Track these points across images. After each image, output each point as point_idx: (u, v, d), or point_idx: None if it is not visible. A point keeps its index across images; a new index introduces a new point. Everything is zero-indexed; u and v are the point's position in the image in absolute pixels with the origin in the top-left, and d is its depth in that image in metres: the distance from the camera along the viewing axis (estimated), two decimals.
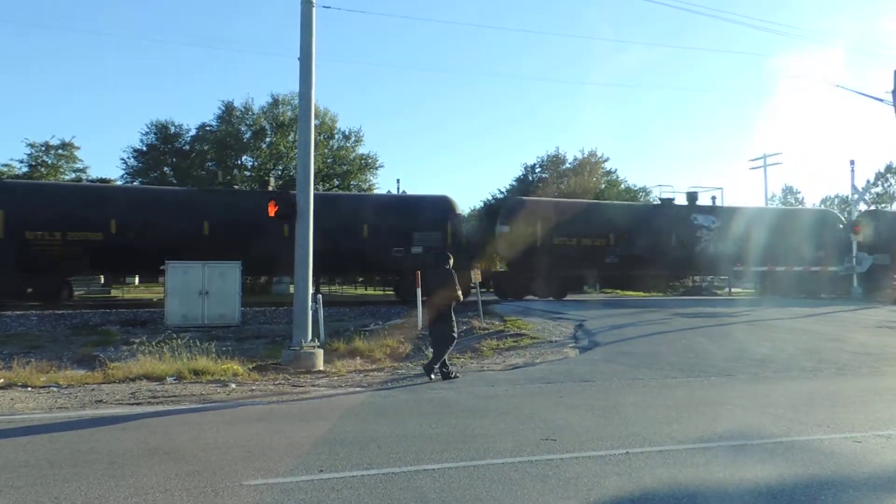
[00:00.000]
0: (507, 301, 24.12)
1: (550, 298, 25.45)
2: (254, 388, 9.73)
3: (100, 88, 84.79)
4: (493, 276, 27.31)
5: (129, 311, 20.54)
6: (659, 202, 30.72)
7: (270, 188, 28.85)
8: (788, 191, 66.82)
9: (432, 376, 10.31)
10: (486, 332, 15.88)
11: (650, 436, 6.56)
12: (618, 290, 37.09)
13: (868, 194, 51.73)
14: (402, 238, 24.32)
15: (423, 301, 11.61)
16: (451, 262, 10.99)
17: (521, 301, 24.36)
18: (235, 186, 26.41)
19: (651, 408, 8.15)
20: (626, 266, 27.44)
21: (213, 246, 21.36)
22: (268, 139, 45.37)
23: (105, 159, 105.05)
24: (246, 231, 22.08)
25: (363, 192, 34.30)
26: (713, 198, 31.44)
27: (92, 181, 41.85)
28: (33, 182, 30.15)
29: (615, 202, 38.69)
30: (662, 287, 35.89)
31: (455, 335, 10.94)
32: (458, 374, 10.59)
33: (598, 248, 26.45)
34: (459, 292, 10.74)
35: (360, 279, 42.33)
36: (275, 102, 45.56)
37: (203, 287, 18.94)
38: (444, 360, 10.53)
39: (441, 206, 25.54)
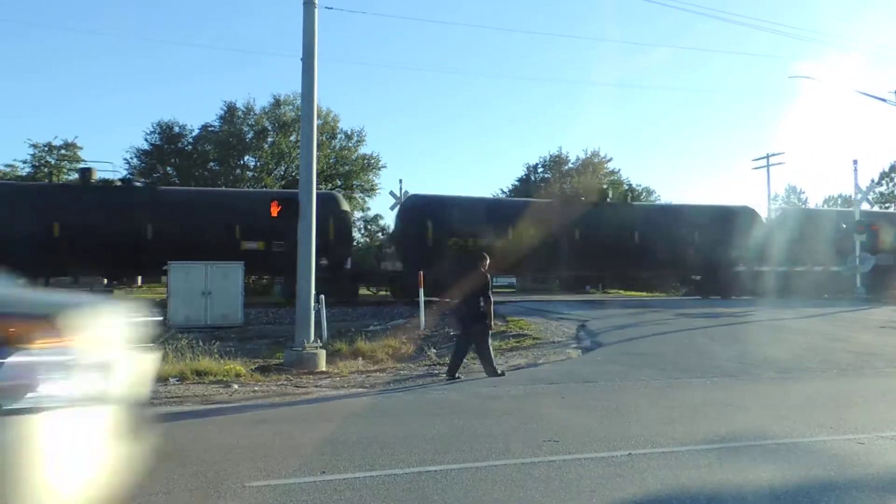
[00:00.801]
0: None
1: None
2: (256, 388, 9.74)
3: (101, 89, 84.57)
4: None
5: None
6: None
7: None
8: (792, 190, 66.55)
9: (500, 371, 10.62)
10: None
11: (653, 437, 6.55)
12: (620, 291, 37.01)
13: (872, 194, 51.45)
14: (718, 241, 27.68)
15: (453, 300, 11.55)
16: (487, 263, 10.88)
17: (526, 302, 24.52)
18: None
19: (654, 409, 8.14)
20: None
21: (581, 251, 26.14)
22: (270, 139, 45.42)
23: (108, 159, 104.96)
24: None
25: (684, 203, 35.39)
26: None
27: (95, 181, 41.85)
28: (449, 196, 31.24)
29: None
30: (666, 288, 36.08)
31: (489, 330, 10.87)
32: (460, 376, 10.60)
33: None
34: (490, 292, 10.66)
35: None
36: (276, 103, 45.63)
37: (206, 287, 18.97)
38: (453, 362, 10.57)
39: (748, 214, 30.27)
